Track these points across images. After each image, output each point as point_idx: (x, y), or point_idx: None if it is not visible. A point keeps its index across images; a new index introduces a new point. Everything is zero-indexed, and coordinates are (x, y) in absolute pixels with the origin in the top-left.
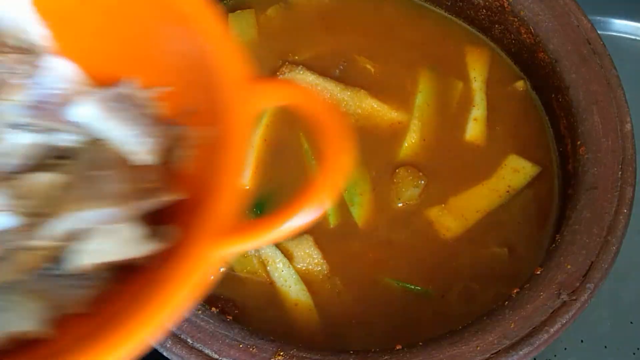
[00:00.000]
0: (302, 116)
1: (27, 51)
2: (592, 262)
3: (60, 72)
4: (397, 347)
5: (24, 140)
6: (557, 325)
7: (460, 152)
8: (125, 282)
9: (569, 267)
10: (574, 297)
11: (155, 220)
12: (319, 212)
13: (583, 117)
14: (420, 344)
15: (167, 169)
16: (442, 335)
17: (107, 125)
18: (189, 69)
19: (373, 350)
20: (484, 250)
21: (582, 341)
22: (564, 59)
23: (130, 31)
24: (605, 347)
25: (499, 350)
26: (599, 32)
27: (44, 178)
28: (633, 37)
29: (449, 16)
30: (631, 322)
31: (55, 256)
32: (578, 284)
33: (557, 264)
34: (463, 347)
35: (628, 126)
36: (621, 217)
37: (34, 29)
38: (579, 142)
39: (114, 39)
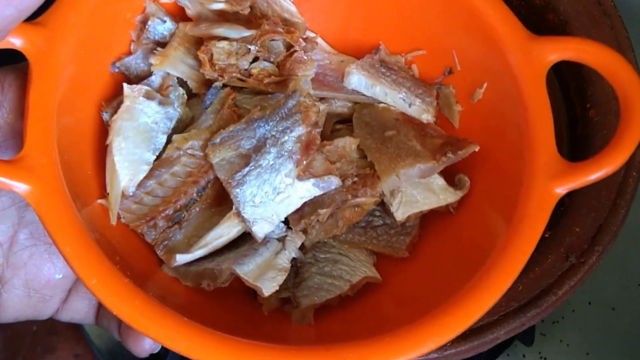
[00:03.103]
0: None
1: (295, 29)
2: (600, 225)
3: (320, 44)
4: None
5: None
6: (565, 288)
7: None
8: (430, 228)
9: (577, 230)
10: (582, 260)
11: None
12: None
13: (592, 79)
14: None
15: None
16: None
17: (375, 90)
18: (452, 32)
19: None
20: None
21: (589, 303)
22: (574, 20)
23: (380, 2)
24: (613, 309)
25: (507, 313)
26: None
27: (348, 142)
28: None
29: None
30: (639, 285)
31: (376, 210)
32: (586, 247)
33: (566, 226)
34: None
35: None
36: (630, 180)
37: (289, 7)
38: (588, 105)
39: (357, 9)
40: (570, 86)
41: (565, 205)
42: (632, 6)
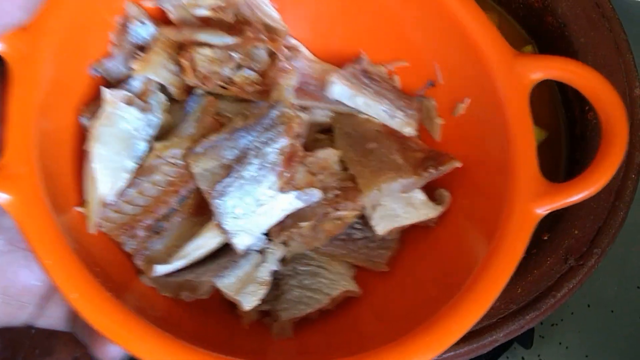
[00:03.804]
0: (576, 87)
1: (276, 35)
2: (599, 227)
3: (302, 52)
4: None
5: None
6: (564, 290)
7: None
8: (410, 242)
9: (576, 232)
10: (581, 262)
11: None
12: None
13: None
14: None
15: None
16: None
17: (357, 101)
18: (435, 45)
19: None
20: None
21: (588, 306)
22: (572, 23)
23: (364, 11)
24: (612, 311)
25: (506, 315)
26: None
27: (330, 154)
28: None
29: None
30: (638, 287)
31: (356, 222)
32: (585, 249)
33: (565, 229)
34: None
35: (637, 91)
36: (629, 182)
37: (272, 13)
38: (587, 107)
39: (341, 18)
40: (569, 88)
41: (564, 207)
42: (631, 8)
